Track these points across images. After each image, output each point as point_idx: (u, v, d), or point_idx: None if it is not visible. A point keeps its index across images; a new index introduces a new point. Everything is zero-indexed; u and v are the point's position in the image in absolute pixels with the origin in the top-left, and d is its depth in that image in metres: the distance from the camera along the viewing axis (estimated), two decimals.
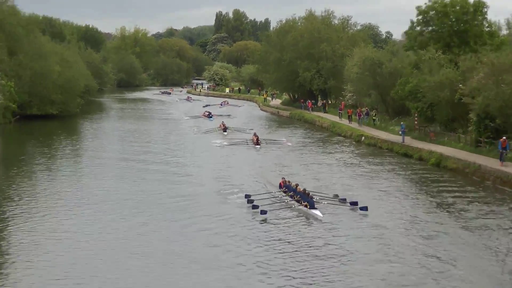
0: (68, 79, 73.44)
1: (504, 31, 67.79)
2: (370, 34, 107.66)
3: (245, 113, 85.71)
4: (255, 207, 28.29)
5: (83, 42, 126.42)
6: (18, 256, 21.89)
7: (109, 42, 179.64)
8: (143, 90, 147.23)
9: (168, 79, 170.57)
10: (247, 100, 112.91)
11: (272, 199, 30.31)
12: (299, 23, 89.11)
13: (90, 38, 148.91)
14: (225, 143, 51.60)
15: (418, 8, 54.21)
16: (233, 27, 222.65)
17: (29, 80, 66.87)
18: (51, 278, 20.14)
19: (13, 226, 25.62)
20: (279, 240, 24.11)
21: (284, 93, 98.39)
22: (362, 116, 60.07)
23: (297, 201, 29.11)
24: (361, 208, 28.37)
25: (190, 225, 26.11)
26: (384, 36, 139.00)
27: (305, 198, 28.59)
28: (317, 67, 79.38)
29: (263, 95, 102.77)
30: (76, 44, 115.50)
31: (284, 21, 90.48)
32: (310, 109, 76.53)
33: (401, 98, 53.37)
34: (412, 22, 55.56)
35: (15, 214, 27.37)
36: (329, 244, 23.61)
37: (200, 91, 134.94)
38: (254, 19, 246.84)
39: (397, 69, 58.91)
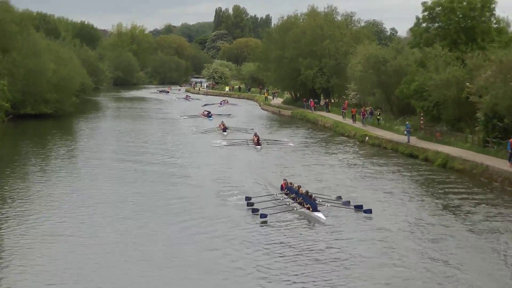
0: (63, 77, 73.42)
1: None
2: (374, 31, 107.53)
3: (246, 113, 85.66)
4: (255, 210, 28.23)
5: (78, 39, 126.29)
6: (11, 261, 21.87)
7: (105, 39, 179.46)
8: (140, 88, 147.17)
9: (166, 77, 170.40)
10: (248, 99, 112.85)
11: (273, 201, 30.26)
12: (301, 20, 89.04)
13: (86, 35, 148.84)
14: (225, 144, 51.58)
15: (424, 4, 54.16)
16: (233, 23, 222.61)
17: (23, 79, 66.82)
18: (45, 283, 20.13)
19: (6, 229, 25.60)
20: (280, 243, 24.10)
21: (285, 92, 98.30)
22: (366, 115, 60.04)
23: (299, 203, 29.07)
24: (365, 211, 28.35)
25: (188, 228, 26.10)
26: (388, 33, 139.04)
27: (308, 201, 28.56)
28: (320, 65, 79.31)
29: (264, 94, 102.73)
30: (71, 41, 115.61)
31: (285, 18, 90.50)
32: (313, 108, 76.50)
33: (406, 97, 53.36)
34: (417, 18, 55.52)
35: (8, 217, 27.36)
36: (332, 248, 23.61)
37: (199, 89, 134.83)
38: (255, 16, 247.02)
39: (402, 67, 58.90)
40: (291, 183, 31.97)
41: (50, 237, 24.59)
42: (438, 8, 53.48)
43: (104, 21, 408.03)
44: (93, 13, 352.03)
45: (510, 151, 36.63)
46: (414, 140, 47.93)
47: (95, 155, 45.57)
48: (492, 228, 26.38)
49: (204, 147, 50.77)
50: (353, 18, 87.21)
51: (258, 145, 50.03)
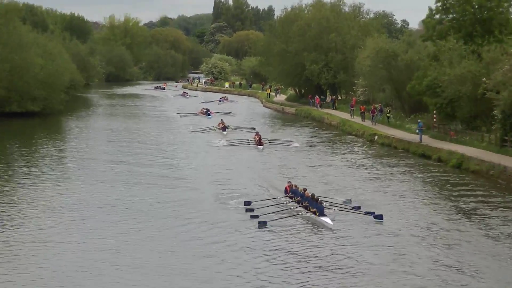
0: (52, 73, 73.35)
1: None
2: (384, 23, 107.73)
3: (247, 110, 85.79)
4: (254, 217, 28.09)
5: (68, 32, 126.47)
6: None
7: (97, 32, 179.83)
8: (134, 85, 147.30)
9: (162, 73, 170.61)
10: (249, 95, 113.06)
11: (277, 206, 30.16)
12: (306, 11, 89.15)
13: (76, 27, 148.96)
14: (224, 143, 51.60)
15: None
16: (233, 15, 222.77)
17: (8, 74, 66.78)
18: None
19: None
20: (282, 249, 24.05)
21: (289, 88, 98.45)
22: (376, 113, 60.02)
23: (305, 207, 29.02)
24: (376, 217, 28.24)
25: (184, 233, 26.08)
26: (399, 25, 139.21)
27: (314, 204, 28.47)
28: (326, 60, 79.39)
29: (266, 90, 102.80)
30: (60, 34, 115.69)
31: (289, 9, 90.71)
32: (318, 105, 76.55)
33: (418, 93, 53.33)
34: (430, 9, 55.51)
35: None
36: (338, 254, 23.56)
37: (197, 86, 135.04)
38: (257, 7, 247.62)
39: (414, 62, 58.90)
40: (295, 186, 31.90)
41: (38, 243, 24.53)
42: None
43: (95, 13, 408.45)
44: (83, 5, 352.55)
45: None
46: (426, 139, 47.90)
47: (86, 156, 45.58)
48: (510, 233, 26.35)
49: (202, 147, 50.77)
50: (362, 9, 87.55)
51: (260, 145, 50.02)
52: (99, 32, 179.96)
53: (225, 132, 58.30)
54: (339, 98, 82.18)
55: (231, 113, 77.03)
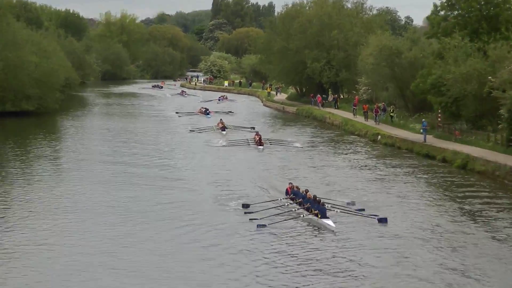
0: (46, 71, 73.36)
1: None
2: (388, 20, 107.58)
3: (247, 110, 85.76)
4: (253, 219, 28.00)
5: (63, 29, 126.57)
6: None
7: (93, 29, 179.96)
8: (131, 83, 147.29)
9: (160, 71, 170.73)
10: (249, 94, 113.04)
11: (277, 208, 30.13)
12: (307, 8, 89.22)
13: (71, 24, 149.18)
14: (224, 144, 51.59)
15: None
16: (232, 12, 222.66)
17: (2, 73, 66.83)
18: None
19: None
20: (282, 252, 24.05)
21: (290, 87, 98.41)
22: (379, 112, 60.00)
23: (306, 209, 29.01)
24: (380, 220, 28.21)
25: (182, 235, 26.08)
26: (403, 22, 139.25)
27: (316, 206, 28.45)
28: (328, 57, 79.39)
29: (266, 89, 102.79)
30: (55, 31, 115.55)
31: (290, 5, 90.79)
32: (320, 104, 76.53)
33: (423, 92, 53.31)
34: (435, 5, 55.50)
35: None
36: (340, 257, 23.57)
37: (196, 84, 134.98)
38: (257, 3, 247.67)
39: (418, 59, 58.89)
40: (297, 187, 31.86)
41: (32, 246, 24.53)
42: None
43: (91, 9, 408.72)
44: (79, 1, 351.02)
45: None
46: (430, 139, 47.88)
47: (81, 156, 45.56)
48: None
49: (201, 147, 50.77)
50: (364, 5, 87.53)
51: (260, 145, 49.99)
52: (95, 29, 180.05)
53: (224, 132, 58.26)
54: (341, 97, 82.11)
55: (229, 113, 77.01)
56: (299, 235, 26.48)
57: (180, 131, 61.06)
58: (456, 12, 54.69)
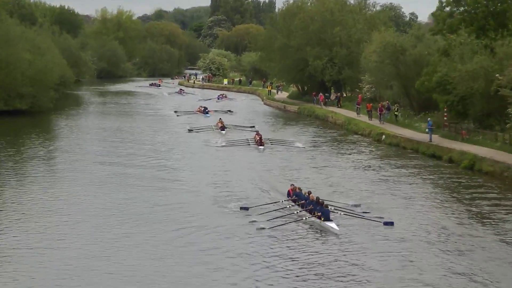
0: (40, 69, 73.31)
1: None
2: (392, 16, 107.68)
3: (247, 108, 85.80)
4: (253, 221, 27.90)
5: (57, 25, 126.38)
6: None
7: (88, 25, 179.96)
8: (128, 81, 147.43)
9: (157, 69, 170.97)
10: (249, 93, 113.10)
11: (279, 210, 29.94)
12: (309, 4, 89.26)
13: (66, 21, 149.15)
14: (223, 144, 51.51)
15: None
16: (232, 8, 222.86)
17: None
18: None
19: None
20: (283, 256, 23.93)
21: (291, 85, 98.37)
22: (383, 111, 59.91)
23: (309, 211, 28.88)
24: (386, 224, 28.06)
25: (179, 238, 25.96)
26: (407, 18, 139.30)
27: (319, 208, 28.31)
28: (330, 55, 79.37)
29: (267, 87, 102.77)
30: (49, 28, 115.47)
31: (291, 1, 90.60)
32: (322, 103, 76.51)
33: (428, 90, 53.21)
34: (440, 1, 55.41)
35: None
36: (343, 261, 23.45)
37: (194, 82, 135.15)
38: None
39: (423, 57, 58.83)
40: (299, 189, 31.77)
41: (24, 249, 24.41)
42: None
43: (86, 6, 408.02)
44: None
45: None
46: (436, 139, 47.81)
47: (76, 157, 45.48)
48: None
49: (199, 147, 50.73)
50: (368, 1, 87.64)
51: (260, 145, 49.93)
52: (90, 26, 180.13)
53: (223, 132, 58.23)
54: (344, 95, 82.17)
55: (228, 112, 76.97)
56: (301, 238, 26.36)
57: (178, 131, 60.99)
58: (462, 8, 54.60)
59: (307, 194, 30.33)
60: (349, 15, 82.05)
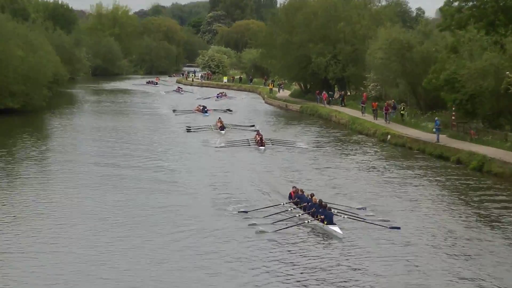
0: (33, 66, 73.30)
1: None
2: (398, 11, 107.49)
3: (247, 107, 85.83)
4: (253, 225, 27.91)
5: (51, 21, 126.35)
6: None
7: (83, 21, 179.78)
8: (124, 79, 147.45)
9: (154, 67, 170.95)
10: (249, 91, 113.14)
11: (281, 213, 29.88)
12: None
13: (60, 16, 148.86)
14: (222, 144, 51.52)
15: None
16: (232, 3, 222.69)
17: None
18: None
19: None
20: (284, 261, 23.93)
21: (293, 83, 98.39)
22: (389, 110, 59.89)
23: (312, 214, 28.85)
24: (392, 228, 28.02)
25: (176, 242, 25.97)
26: (414, 14, 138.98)
27: (322, 211, 28.28)
28: (334, 52, 79.37)
29: (268, 86, 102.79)
30: (42, 23, 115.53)
31: None
32: (325, 102, 76.52)
33: (435, 89, 53.22)
34: None
35: None
36: (345, 266, 23.47)
37: (193, 80, 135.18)
38: None
39: (431, 54, 58.82)
40: (301, 191, 31.76)
41: (14, 254, 24.41)
42: None
43: (81, 1, 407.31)
44: None
45: None
46: (444, 139, 47.81)
47: (70, 158, 45.48)
48: None
49: (198, 148, 50.75)
50: None
51: (261, 145, 49.95)
52: (85, 22, 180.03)
53: (223, 132, 58.24)
54: (348, 93, 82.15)
55: (227, 111, 76.99)
56: (303, 242, 26.36)
57: (175, 130, 61.02)
58: (471, 3, 54.30)
59: (309, 197, 30.31)
60: (354, 10, 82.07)
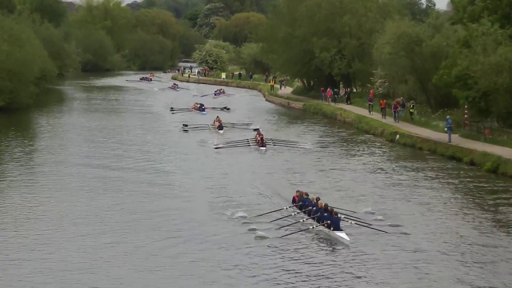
0: (19, 62, 73.30)
1: None
2: (407, 3, 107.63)
3: (247, 105, 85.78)
4: (252, 230, 27.92)
5: (38, 13, 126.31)
6: None
7: (72, 14, 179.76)
8: (116, 75, 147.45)
9: (148, 62, 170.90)
10: (249, 88, 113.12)
11: (284, 219, 29.78)
12: None
13: (48, 8, 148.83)
14: (221, 144, 51.51)
15: None
16: None
17: None
18: None
19: None
20: (285, 269, 23.89)
21: (296, 80, 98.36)
22: (398, 108, 59.82)
23: (317, 219, 28.79)
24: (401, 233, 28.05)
25: (171, 248, 26.00)
26: (424, 6, 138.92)
27: (328, 216, 28.20)
28: (339, 46, 79.34)
29: (269, 82, 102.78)
30: (29, 16, 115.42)
31: None
32: (330, 99, 76.49)
33: (447, 85, 53.17)
34: None
35: None
36: (351, 273, 23.47)
37: (189, 76, 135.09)
38: None
39: (442, 48, 58.79)
40: (306, 194, 31.68)
41: (2, 261, 24.40)
42: None
43: None
44: None
45: None
46: (456, 139, 47.80)
47: (59, 158, 45.51)
48: None
49: (195, 148, 50.77)
50: None
51: (262, 146, 49.95)
52: (74, 14, 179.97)
53: (221, 131, 58.24)
54: (354, 91, 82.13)
55: (224, 109, 76.96)
56: (306, 248, 26.32)
57: (171, 130, 61.04)
58: None
59: (315, 201, 30.20)
60: (360, 2, 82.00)
